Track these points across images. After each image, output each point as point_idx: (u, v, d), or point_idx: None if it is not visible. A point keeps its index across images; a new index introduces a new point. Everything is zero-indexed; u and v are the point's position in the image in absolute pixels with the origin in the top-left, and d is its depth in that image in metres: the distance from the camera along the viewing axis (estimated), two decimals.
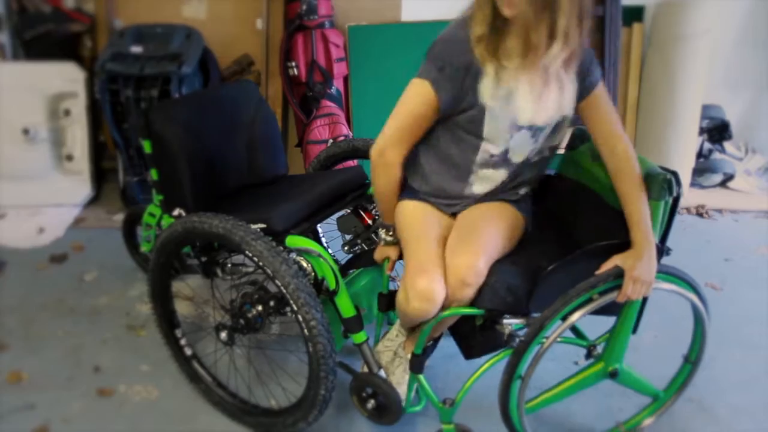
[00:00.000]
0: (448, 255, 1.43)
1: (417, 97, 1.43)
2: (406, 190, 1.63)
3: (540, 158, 1.54)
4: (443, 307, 1.42)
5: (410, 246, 1.50)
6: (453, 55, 1.38)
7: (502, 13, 1.31)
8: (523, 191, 1.61)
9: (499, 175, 1.53)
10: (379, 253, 1.67)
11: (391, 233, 1.63)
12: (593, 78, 1.45)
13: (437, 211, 1.59)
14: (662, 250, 1.40)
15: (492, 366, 1.50)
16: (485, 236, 1.44)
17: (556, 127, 1.48)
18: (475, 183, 1.54)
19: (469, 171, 1.52)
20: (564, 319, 1.36)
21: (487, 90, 1.39)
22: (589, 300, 1.35)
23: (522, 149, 1.48)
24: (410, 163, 1.59)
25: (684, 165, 3.32)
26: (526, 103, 1.40)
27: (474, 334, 1.54)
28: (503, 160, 1.50)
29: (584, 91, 1.45)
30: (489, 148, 1.47)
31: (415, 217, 1.57)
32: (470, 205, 1.59)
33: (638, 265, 1.31)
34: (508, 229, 1.51)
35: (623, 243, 1.35)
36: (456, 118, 1.45)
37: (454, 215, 1.60)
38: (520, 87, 1.39)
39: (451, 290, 1.40)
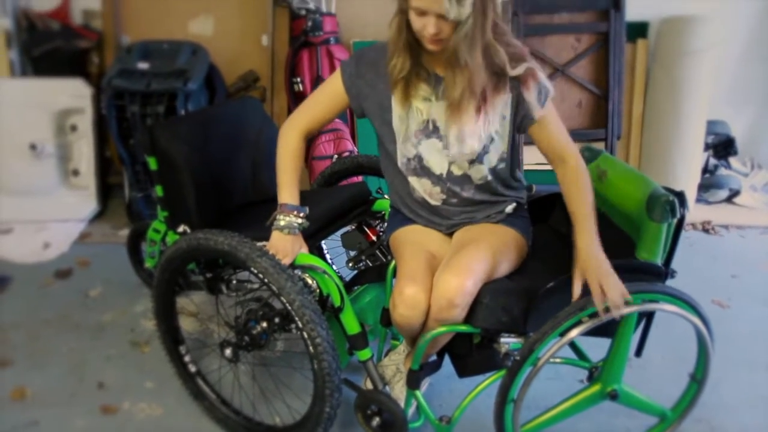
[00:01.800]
0: (438, 273, 1.43)
1: (330, 82, 1.58)
2: (393, 215, 1.70)
3: (481, 178, 1.56)
4: (434, 322, 1.43)
5: (404, 256, 1.52)
6: (370, 53, 1.53)
7: (426, 47, 1.38)
8: (508, 209, 1.61)
9: (430, 187, 1.57)
10: (279, 242, 1.50)
11: (301, 215, 1.53)
12: (533, 110, 1.46)
13: (436, 231, 1.62)
14: (667, 272, 1.39)
15: (491, 384, 1.49)
16: (476, 256, 1.43)
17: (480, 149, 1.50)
18: (416, 190, 1.60)
19: (403, 176, 1.60)
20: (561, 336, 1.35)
21: (398, 99, 1.50)
22: (579, 322, 1.33)
23: (435, 158, 1.53)
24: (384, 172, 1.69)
25: (689, 181, 3.31)
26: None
27: (469, 352, 1.53)
28: (421, 167, 1.55)
29: (525, 121, 1.49)
30: (403, 151, 1.55)
31: (413, 233, 1.61)
32: (458, 224, 1.61)
33: (594, 274, 1.31)
34: (504, 249, 1.50)
35: (627, 263, 1.34)
36: (374, 121, 1.57)
37: (451, 235, 1.62)
38: (433, 112, 1.49)
39: (437, 308, 1.40)
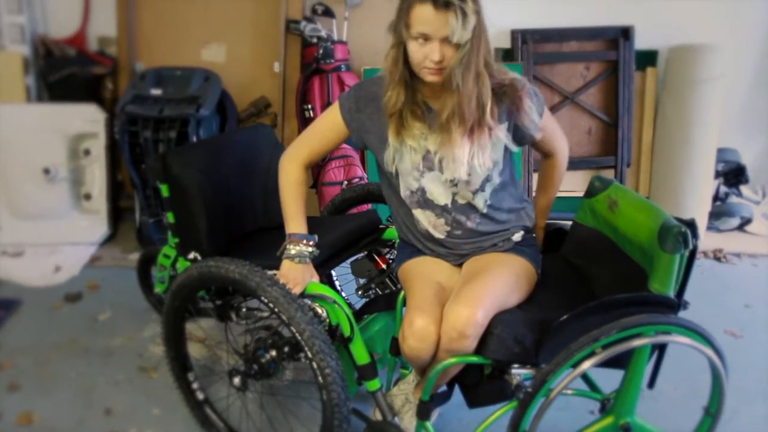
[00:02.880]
0: (448, 304, 1.42)
1: (328, 114, 1.59)
2: (402, 246, 1.70)
3: (485, 206, 1.56)
4: (444, 353, 1.41)
5: (413, 288, 1.51)
6: (370, 87, 1.54)
7: (425, 79, 1.40)
8: (516, 237, 1.61)
9: (434, 219, 1.57)
10: (290, 272, 1.51)
11: (311, 243, 1.54)
12: (533, 131, 1.53)
13: (445, 262, 1.61)
14: (679, 303, 1.38)
15: (502, 415, 1.47)
16: (487, 287, 1.42)
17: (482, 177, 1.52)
18: (421, 222, 1.60)
19: (407, 208, 1.60)
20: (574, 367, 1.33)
21: (392, 133, 1.50)
22: (592, 354, 1.31)
23: (439, 190, 1.54)
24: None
25: (700, 208, 3.30)
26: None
27: (480, 382, 1.52)
28: (425, 200, 1.56)
29: (525, 140, 1.57)
30: (406, 185, 1.56)
31: (423, 264, 1.60)
32: (455, 258, 1.61)
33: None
34: (514, 279, 1.50)
35: (639, 296, 1.33)
36: (377, 154, 1.57)
37: (461, 266, 1.61)
38: (430, 146, 1.50)
39: (447, 339, 1.38)
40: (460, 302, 1.38)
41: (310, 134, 1.62)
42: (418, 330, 1.40)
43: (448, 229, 1.58)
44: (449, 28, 1.30)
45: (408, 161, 1.51)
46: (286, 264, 1.52)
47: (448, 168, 1.48)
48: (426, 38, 1.34)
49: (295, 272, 1.51)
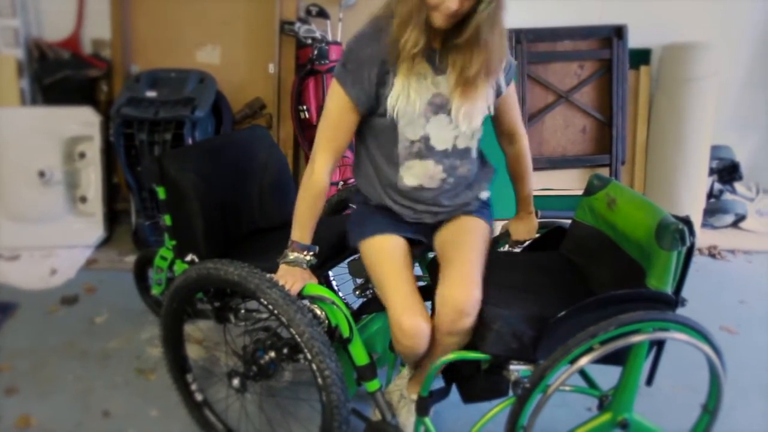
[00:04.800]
0: (442, 287, 1.45)
1: (332, 100, 1.52)
2: (358, 198, 1.70)
3: (476, 150, 1.63)
4: (446, 336, 1.43)
5: (388, 284, 1.51)
6: (360, 50, 1.47)
7: (435, 23, 1.40)
8: (483, 195, 1.67)
9: (432, 167, 1.57)
10: (287, 273, 1.52)
11: (311, 254, 1.55)
12: (507, 80, 1.60)
13: (402, 241, 1.61)
14: (677, 300, 1.38)
15: (500, 411, 1.47)
16: (472, 262, 1.49)
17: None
18: (409, 177, 1.58)
19: (395, 165, 1.58)
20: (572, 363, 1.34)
21: (402, 75, 1.46)
22: (590, 350, 1.32)
23: (442, 135, 1.54)
24: (355, 167, 1.67)
25: (695, 206, 3.32)
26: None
27: (475, 377, 1.52)
28: (426, 147, 1.55)
29: (498, 91, 1.59)
30: (407, 135, 1.53)
31: (385, 252, 1.58)
32: (431, 216, 1.63)
33: (523, 231, 1.76)
34: (484, 245, 1.60)
35: (637, 293, 1.33)
36: (371, 112, 1.53)
37: (415, 237, 1.63)
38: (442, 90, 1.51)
39: (449, 322, 1.41)
40: (455, 285, 1.43)
41: (327, 131, 1.54)
42: (409, 329, 1.43)
43: (444, 176, 1.59)
44: None
45: (416, 104, 1.49)
46: (283, 267, 1.53)
47: (466, 118, 1.52)
48: None
49: (293, 273, 1.52)
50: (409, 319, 1.43)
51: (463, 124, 1.52)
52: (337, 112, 1.52)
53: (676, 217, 1.37)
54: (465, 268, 1.46)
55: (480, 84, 1.48)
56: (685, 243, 1.32)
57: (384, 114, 1.51)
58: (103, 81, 3.31)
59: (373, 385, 1.57)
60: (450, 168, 1.59)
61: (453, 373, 1.59)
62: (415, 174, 1.58)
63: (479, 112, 1.53)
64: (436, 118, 1.52)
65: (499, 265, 1.65)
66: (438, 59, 1.49)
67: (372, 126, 1.57)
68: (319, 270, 1.67)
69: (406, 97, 1.48)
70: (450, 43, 1.47)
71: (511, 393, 1.45)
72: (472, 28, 1.39)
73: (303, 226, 1.55)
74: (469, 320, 1.40)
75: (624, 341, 1.31)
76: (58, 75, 3.22)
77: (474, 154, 1.63)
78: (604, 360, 1.34)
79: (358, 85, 1.47)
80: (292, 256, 1.53)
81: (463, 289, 1.41)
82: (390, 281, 1.52)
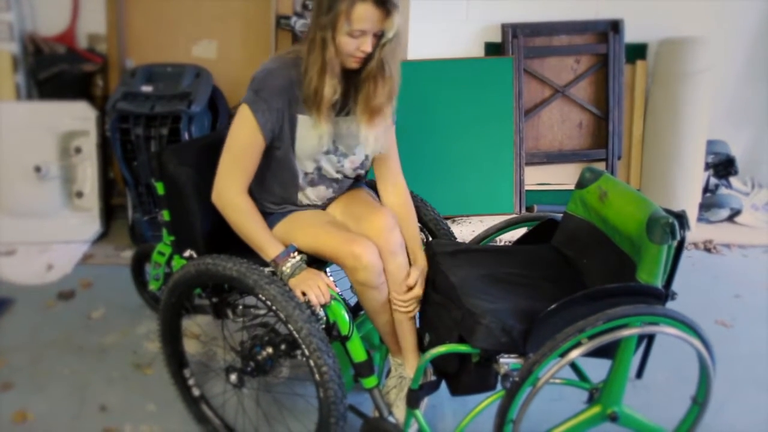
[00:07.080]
0: (359, 227, 1.60)
1: (241, 127, 1.56)
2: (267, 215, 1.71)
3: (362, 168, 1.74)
4: (389, 255, 1.56)
5: (321, 234, 1.60)
6: (273, 81, 1.53)
7: (347, 66, 1.50)
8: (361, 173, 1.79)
9: (323, 192, 1.71)
10: (303, 284, 1.51)
11: (296, 253, 1.57)
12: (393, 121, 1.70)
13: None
14: (667, 294, 1.39)
15: (491, 404, 1.49)
16: (368, 199, 1.73)
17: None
18: (305, 199, 1.70)
19: (295, 189, 1.68)
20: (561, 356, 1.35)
21: (318, 120, 1.54)
22: (579, 344, 1.33)
23: (334, 167, 1.67)
24: (255, 186, 1.68)
25: (690, 200, 3.32)
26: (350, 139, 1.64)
27: (463, 370, 1.53)
28: (319, 177, 1.68)
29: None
30: (302, 168, 1.64)
31: (301, 217, 1.69)
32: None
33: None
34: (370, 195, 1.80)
35: (626, 286, 1.34)
36: (280, 144, 1.59)
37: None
38: (342, 130, 1.62)
39: (384, 241, 1.55)
40: (368, 218, 1.60)
41: (238, 159, 1.56)
42: (361, 254, 1.51)
43: (333, 196, 1.75)
44: (385, 24, 1.42)
45: (323, 145, 1.60)
46: (293, 282, 1.51)
47: (368, 145, 1.63)
48: (363, 33, 1.43)
49: (306, 280, 1.51)
50: (359, 246, 1.51)
51: (369, 147, 1.64)
52: (247, 139, 1.55)
53: (670, 212, 1.37)
54: (366, 207, 1.65)
55: (385, 112, 1.58)
56: (675, 237, 1.33)
57: (280, 147, 1.59)
58: (98, 76, 3.30)
59: (370, 382, 1.58)
60: (339, 189, 1.75)
61: (443, 367, 1.59)
62: (306, 195, 1.70)
63: (378, 138, 1.62)
64: (327, 157, 1.65)
65: (489, 259, 1.66)
66: (341, 99, 1.56)
67: (274, 157, 1.62)
68: (316, 267, 1.67)
69: (318, 138, 1.57)
70: (352, 80, 1.55)
71: (500, 386, 1.46)
72: (377, 61, 1.48)
73: (266, 242, 1.55)
74: (397, 231, 1.58)
75: (612, 335, 1.32)
76: (54, 69, 3.21)
77: (361, 171, 1.76)
78: (594, 353, 1.35)
79: (269, 114, 1.52)
80: (287, 268, 1.52)
81: (375, 216, 1.58)
82: (321, 230, 1.60)
